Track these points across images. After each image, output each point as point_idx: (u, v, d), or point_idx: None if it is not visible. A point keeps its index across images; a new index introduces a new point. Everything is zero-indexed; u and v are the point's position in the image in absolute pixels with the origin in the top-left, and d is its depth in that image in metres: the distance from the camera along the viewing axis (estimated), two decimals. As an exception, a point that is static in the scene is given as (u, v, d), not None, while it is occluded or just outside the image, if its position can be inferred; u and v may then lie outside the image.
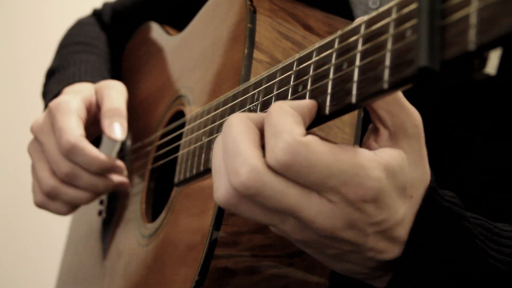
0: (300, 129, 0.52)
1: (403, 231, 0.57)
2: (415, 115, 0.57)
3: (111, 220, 1.09)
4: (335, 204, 0.53)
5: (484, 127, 0.80)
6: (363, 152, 0.53)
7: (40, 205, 0.98)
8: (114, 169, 0.95)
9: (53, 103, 0.94)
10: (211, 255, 0.69)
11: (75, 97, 0.96)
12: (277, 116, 0.53)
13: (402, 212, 0.56)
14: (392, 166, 0.54)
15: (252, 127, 0.55)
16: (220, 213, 0.69)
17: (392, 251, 0.57)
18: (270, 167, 0.52)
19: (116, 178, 0.97)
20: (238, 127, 0.54)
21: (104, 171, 0.93)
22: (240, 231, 0.69)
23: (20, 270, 2.32)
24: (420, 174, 0.57)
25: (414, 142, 0.57)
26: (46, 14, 2.42)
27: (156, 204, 0.97)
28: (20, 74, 2.40)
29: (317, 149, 0.51)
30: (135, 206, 1.00)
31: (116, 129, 0.95)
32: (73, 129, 0.91)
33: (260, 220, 0.56)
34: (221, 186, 0.55)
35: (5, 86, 2.42)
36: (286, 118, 0.52)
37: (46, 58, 1.29)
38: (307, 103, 0.55)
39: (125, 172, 0.97)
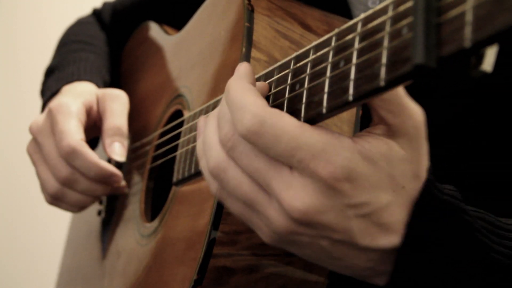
0: (263, 101, 0.55)
1: (392, 218, 0.55)
2: (417, 116, 0.56)
3: (110, 220, 1.09)
4: (306, 179, 0.53)
5: (484, 127, 0.80)
6: (337, 135, 0.54)
7: (51, 204, 0.99)
8: (112, 177, 0.94)
9: (54, 104, 0.94)
10: (210, 254, 0.69)
11: (76, 100, 0.96)
12: (238, 92, 0.56)
13: (386, 198, 0.55)
14: (371, 153, 0.54)
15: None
16: (219, 212, 0.69)
17: (387, 238, 0.56)
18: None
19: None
20: (232, 99, 0.58)
21: (102, 178, 0.93)
22: (238, 230, 0.69)
23: (20, 271, 2.32)
24: (415, 169, 0.56)
25: (413, 142, 0.56)
26: (46, 14, 2.42)
27: (155, 204, 0.97)
28: (20, 74, 2.40)
29: (284, 119, 0.53)
30: (134, 205, 1.00)
31: (117, 149, 0.96)
32: (74, 132, 0.91)
33: (246, 194, 0.57)
34: (212, 152, 0.60)
35: (5, 86, 2.42)
36: (249, 92, 0.56)
37: (46, 57, 1.29)
38: (262, 85, 0.61)
39: (123, 182, 0.98)
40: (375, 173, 0.54)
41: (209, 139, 0.61)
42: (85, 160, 0.91)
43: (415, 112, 0.56)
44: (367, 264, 0.57)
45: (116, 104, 0.99)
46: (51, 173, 0.94)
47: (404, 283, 0.57)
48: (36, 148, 0.96)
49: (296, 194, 0.53)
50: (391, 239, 0.56)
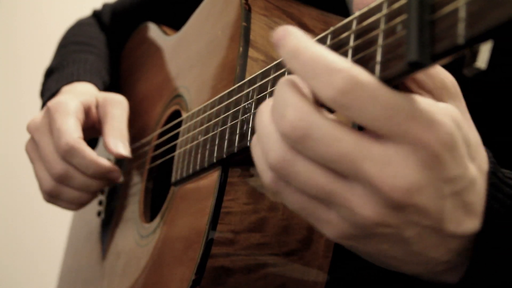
0: (351, 65, 0.45)
1: (476, 197, 0.49)
2: (450, 75, 0.52)
3: (110, 220, 1.09)
4: (405, 148, 0.44)
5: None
6: (422, 97, 0.46)
7: (49, 202, 0.99)
8: (111, 174, 0.95)
9: (52, 103, 0.94)
10: (208, 254, 0.68)
11: (74, 98, 0.96)
12: (322, 54, 0.46)
13: (473, 171, 0.48)
14: (455, 116, 0.47)
15: (296, 82, 0.50)
16: (217, 212, 0.69)
17: (470, 222, 0.49)
18: (318, 110, 0.46)
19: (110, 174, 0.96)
20: (284, 86, 0.49)
21: (101, 174, 0.93)
22: (237, 230, 0.69)
23: (21, 272, 2.32)
24: (475, 135, 0.51)
25: (458, 103, 0.51)
26: (46, 14, 2.43)
27: (154, 204, 0.97)
28: (20, 74, 2.41)
29: (375, 80, 0.45)
30: (134, 206, 0.99)
31: (121, 146, 0.95)
32: (72, 131, 0.91)
33: (320, 187, 0.47)
34: (270, 148, 0.49)
35: (5, 86, 2.43)
36: (333, 55, 0.46)
37: (46, 58, 1.30)
38: None
39: (121, 177, 0.98)
40: (463, 141, 0.47)
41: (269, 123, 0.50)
42: (83, 158, 0.91)
43: (447, 72, 0.52)
44: (444, 257, 0.51)
45: (117, 109, 0.99)
46: (46, 171, 0.94)
47: (482, 275, 0.52)
48: (33, 146, 0.96)
49: (397, 171, 0.44)
50: (474, 223, 0.49)
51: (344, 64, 0.45)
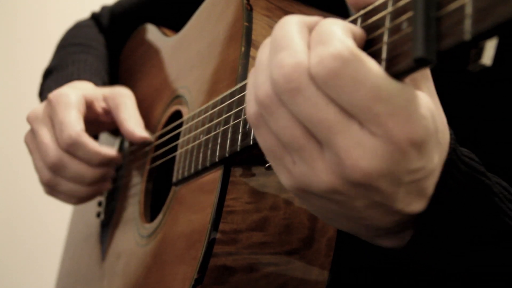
0: (352, 42, 0.47)
1: (431, 182, 0.52)
2: None
3: (109, 221, 1.09)
4: (378, 139, 0.46)
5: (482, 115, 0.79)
6: (415, 89, 0.48)
7: (49, 194, 0.99)
8: (114, 161, 0.96)
9: (53, 94, 0.94)
10: (210, 253, 0.69)
11: (76, 91, 0.96)
12: (329, 24, 0.48)
13: (436, 161, 0.51)
14: (431, 107, 0.49)
15: (306, 29, 0.50)
16: (219, 211, 0.69)
17: (418, 204, 0.52)
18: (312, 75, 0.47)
19: (104, 169, 0.96)
20: (292, 25, 0.50)
21: (105, 164, 0.94)
22: (239, 229, 0.69)
23: (19, 273, 2.31)
24: (444, 118, 0.52)
25: (430, 84, 0.52)
26: (45, 15, 2.42)
27: (155, 204, 0.97)
28: (20, 75, 2.40)
29: (369, 64, 0.46)
30: (134, 207, 0.99)
31: (141, 134, 0.97)
32: (74, 123, 0.91)
33: (295, 138, 0.49)
34: (262, 83, 0.50)
35: (5, 86, 2.42)
36: (339, 28, 0.47)
37: (46, 58, 1.29)
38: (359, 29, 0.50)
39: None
40: (434, 133, 0.49)
41: (265, 63, 0.51)
42: (86, 150, 0.91)
43: None
44: (386, 225, 0.54)
45: (128, 99, 1.00)
46: (42, 161, 0.94)
47: (419, 247, 0.55)
48: (32, 137, 0.96)
49: (365, 154, 0.47)
50: (421, 204, 0.52)
51: (343, 42, 0.46)
